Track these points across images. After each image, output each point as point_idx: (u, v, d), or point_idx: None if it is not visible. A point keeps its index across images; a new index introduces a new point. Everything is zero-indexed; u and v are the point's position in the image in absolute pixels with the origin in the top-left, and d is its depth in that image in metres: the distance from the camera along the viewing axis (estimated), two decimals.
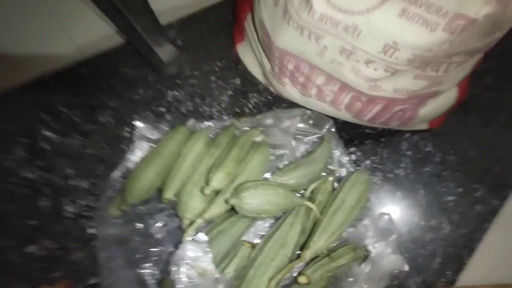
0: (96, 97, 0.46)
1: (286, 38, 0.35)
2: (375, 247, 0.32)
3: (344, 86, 0.37)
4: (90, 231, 0.38)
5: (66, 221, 0.38)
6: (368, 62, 0.31)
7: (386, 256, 0.31)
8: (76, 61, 0.47)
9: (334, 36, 0.31)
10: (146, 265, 0.35)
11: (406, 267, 0.32)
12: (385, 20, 0.27)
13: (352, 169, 0.43)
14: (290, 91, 0.44)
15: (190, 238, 0.32)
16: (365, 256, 0.34)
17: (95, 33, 0.49)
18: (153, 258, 0.36)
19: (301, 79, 0.40)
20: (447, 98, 0.40)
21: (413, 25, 0.26)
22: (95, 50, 0.48)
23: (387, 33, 0.28)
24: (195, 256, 0.29)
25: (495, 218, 0.42)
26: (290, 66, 0.39)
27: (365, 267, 0.31)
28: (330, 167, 0.41)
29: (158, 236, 0.37)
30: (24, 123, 0.43)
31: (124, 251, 0.35)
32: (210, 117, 0.47)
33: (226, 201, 0.33)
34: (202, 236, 0.31)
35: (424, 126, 0.48)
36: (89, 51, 0.48)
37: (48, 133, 0.43)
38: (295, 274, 0.34)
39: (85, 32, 0.49)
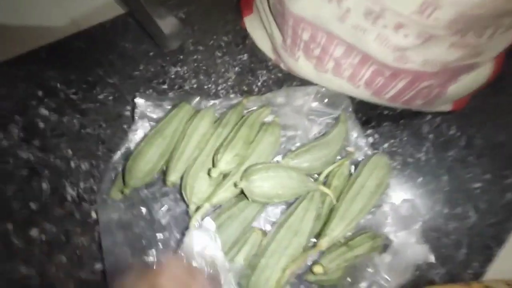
0: (94, 73, 0.43)
1: (303, 2, 0.31)
2: (397, 236, 0.30)
3: (366, 58, 0.33)
4: (94, 215, 0.35)
5: (68, 204, 0.36)
6: (398, 27, 0.27)
7: (409, 246, 0.29)
8: (71, 34, 0.44)
9: None
10: (152, 251, 0.33)
11: (432, 258, 0.29)
12: None
13: (370, 152, 0.40)
14: (303, 66, 0.40)
15: (197, 224, 0.29)
16: (385, 245, 0.31)
17: (91, 3, 0.45)
18: (159, 245, 0.34)
19: (317, 52, 0.36)
20: (481, 74, 0.35)
21: None
22: (91, 22, 0.45)
23: None
24: (203, 244, 0.26)
25: None
26: (305, 36, 0.35)
27: (387, 257, 0.28)
28: (349, 148, 0.37)
29: (163, 221, 0.35)
30: (18, 100, 0.40)
31: (129, 237, 0.33)
32: (216, 96, 0.43)
33: (235, 185, 0.30)
34: (209, 223, 0.28)
35: (447, 107, 0.44)
36: (85, 23, 0.45)
37: (45, 111, 0.40)
38: (309, 263, 0.31)
39: (80, 2, 0.45)
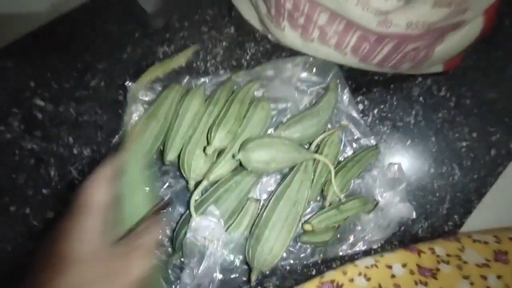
0: (82, 59, 0.43)
1: None
2: (383, 197, 0.32)
3: (350, 25, 0.33)
4: None
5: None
6: None
7: (394, 204, 0.31)
8: (53, 19, 0.43)
9: None
10: None
11: (413, 215, 0.31)
12: None
13: (361, 121, 0.40)
14: (290, 36, 0.39)
15: (197, 198, 0.32)
16: (374, 207, 0.33)
17: None
18: (163, 219, 0.37)
19: (301, 20, 0.36)
20: (470, 30, 0.35)
21: None
22: (71, 3, 0.43)
23: None
24: (208, 229, 0.29)
25: (510, 161, 0.40)
26: (288, 5, 0.34)
27: (372, 216, 0.31)
28: (343, 122, 0.39)
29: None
30: (14, 93, 0.41)
31: None
32: (205, 73, 0.43)
33: (233, 156, 0.32)
34: (212, 209, 0.31)
35: (439, 68, 0.44)
36: (65, 5, 0.43)
37: (40, 102, 0.41)
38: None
39: None
